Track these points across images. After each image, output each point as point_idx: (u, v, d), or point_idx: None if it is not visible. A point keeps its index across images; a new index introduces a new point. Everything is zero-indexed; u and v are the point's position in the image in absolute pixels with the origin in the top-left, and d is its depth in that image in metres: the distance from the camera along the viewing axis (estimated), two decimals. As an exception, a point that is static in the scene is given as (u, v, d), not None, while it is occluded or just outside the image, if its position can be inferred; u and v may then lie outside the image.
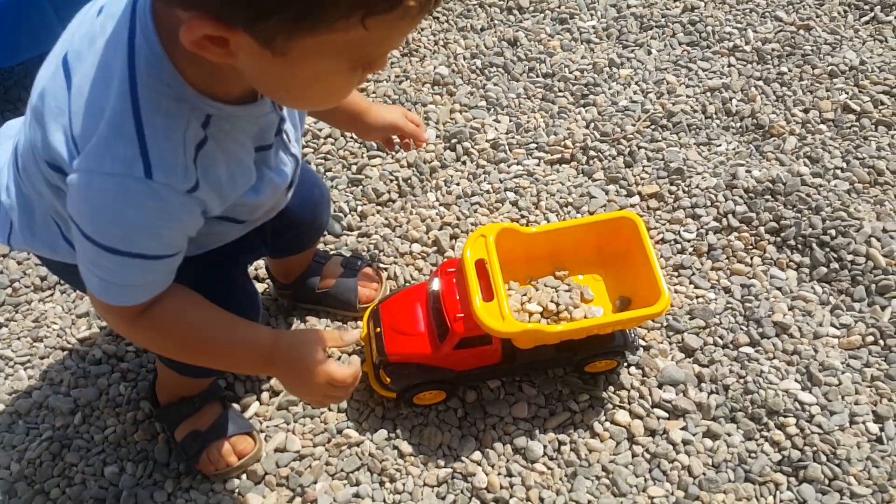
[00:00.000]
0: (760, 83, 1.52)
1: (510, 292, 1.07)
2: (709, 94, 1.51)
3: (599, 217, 1.13)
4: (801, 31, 1.61)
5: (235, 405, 1.13)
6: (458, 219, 1.35)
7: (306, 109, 0.85)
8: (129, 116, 0.62)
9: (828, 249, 1.22)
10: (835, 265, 1.20)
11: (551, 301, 1.05)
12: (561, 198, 1.36)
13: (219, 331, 0.78)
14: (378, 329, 1.07)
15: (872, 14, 1.64)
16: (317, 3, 0.52)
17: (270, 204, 0.82)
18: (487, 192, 1.39)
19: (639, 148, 1.42)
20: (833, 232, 1.22)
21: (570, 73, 1.60)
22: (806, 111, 1.45)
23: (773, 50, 1.58)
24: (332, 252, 1.31)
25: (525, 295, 1.07)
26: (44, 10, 1.32)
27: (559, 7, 1.76)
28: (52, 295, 1.32)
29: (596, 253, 1.11)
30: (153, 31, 0.61)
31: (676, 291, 1.21)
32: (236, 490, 1.06)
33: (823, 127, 1.42)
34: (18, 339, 1.26)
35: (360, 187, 1.43)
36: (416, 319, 1.06)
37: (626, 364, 1.13)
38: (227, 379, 1.16)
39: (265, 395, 1.15)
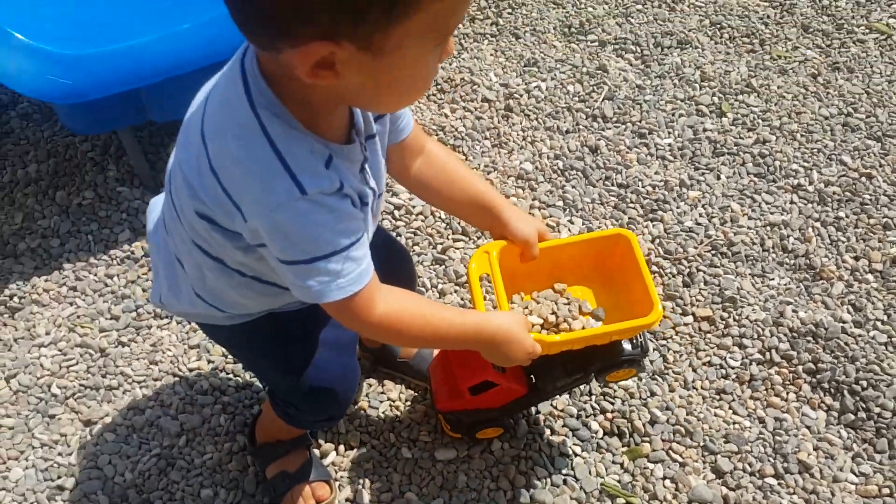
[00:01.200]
0: (818, 224, 1.65)
1: (512, 305, 1.13)
2: (769, 228, 1.65)
3: (596, 234, 1.21)
4: (863, 179, 1.75)
5: (317, 451, 1.31)
6: (527, 311, 1.52)
7: (404, 105, 0.92)
8: (273, 157, 0.75)
9: (858, 398, 1.35)
10: (862, 414, 1.33)
11: (551, 313, 1.09)
12: (621, 306, 1.52)
13: (441, 318, 0.93)
14: (428, 386, 1.26)
15: (933, 171, 1.77)
16: None
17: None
18: (556, 290, 1.56)
19: (698, 270, 1.57)
20: (864, 383, 1.35)
21: (643, 186, 1.76)
22: (857, 258, 1.59)
23: (833, 193, 1.72)
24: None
25: (526, 308, 1.11)
26: (139, 96, 1.53)
27: (640, 121, 1.92)
28: (168, 323, 1.52)
29: (593, 268, 1.16)
30: (265, 86, 0.74)
31: (716, 415, 1.35)
32: (309, 528, 1.23)
33: (871, 277, 1.55)
34: (137, 359, 1.46)
35: (443, 266, 1.61)
36: (449, 374, 1.22)
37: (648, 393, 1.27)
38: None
39: (342, 448, 1.33)
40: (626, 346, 1.12)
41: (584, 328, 1.08)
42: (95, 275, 1.60)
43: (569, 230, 1.68)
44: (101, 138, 1.85)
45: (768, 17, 2.25)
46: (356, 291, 0.82)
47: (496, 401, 1.21)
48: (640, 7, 2.30)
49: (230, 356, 1.44)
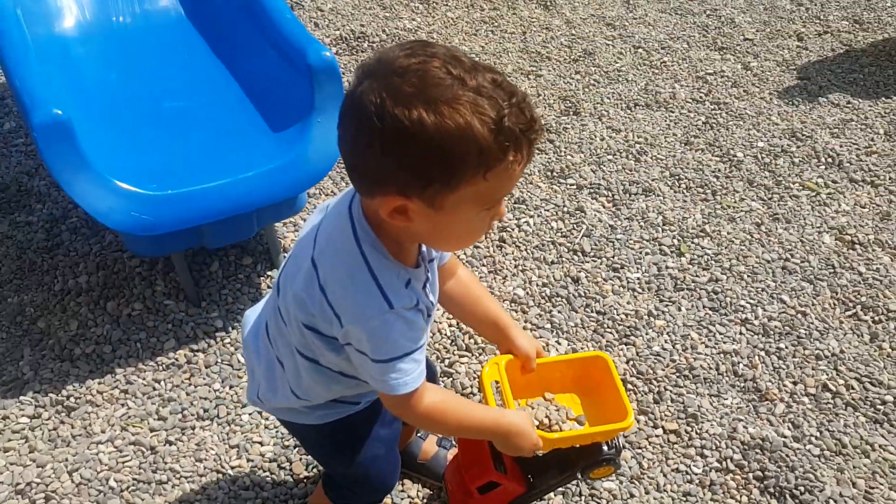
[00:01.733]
0: (763, 354, 1.98)
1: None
2: (722, 355, 1.97)
3: (580, 355, 1.45)
4: (799, 315, 2.09)
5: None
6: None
7: (459, 248, 1.19)
8: (371, 281, 0.98)
9: (797, 501, 1.62)
10: (802, 516, 1.60)
11: (545, 416, 1.28)
12: (602, 419, 1.79)
13: (469, 412, 1.16)
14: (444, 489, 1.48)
15: (854, 311, 2.12)
16: (456, 170, 0.87)
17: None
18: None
19: (665, 389, 1.87)
20: (802, 488, 1.63)
21: (617, 314, 2.07)
22: (794, 383, 1.90)
23: (775, 327, 2.05)
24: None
25: (524, 411, 1.28)
26: (251, 220, 1.83)
27: (613, 257, 2.26)
28: (210, 425, 1.73)
29: (576, 381, 1.38)
30: (367, 225, 0.98)
31: (682, 514, 1.61)
32: None
33: (806, 399, 1.86)
34: (184, 457, 1.66)
35: (451, 379, 1.87)
36: (460, 478, 1.43)
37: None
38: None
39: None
40: (604, 447, 1.32)
41: (571, 430, 1.29)
42: (144, 379, 1.82)
43: (556, 349, 1.96)
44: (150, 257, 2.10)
45: (719, 170, 2.67)
46: (416, 388, 1.06)
47: (500, 500, 1.45)
48: (610, 157, 2.70)
49: (267, 456, 1.66)
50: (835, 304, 2.14)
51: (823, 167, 2.68)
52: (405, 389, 1.05)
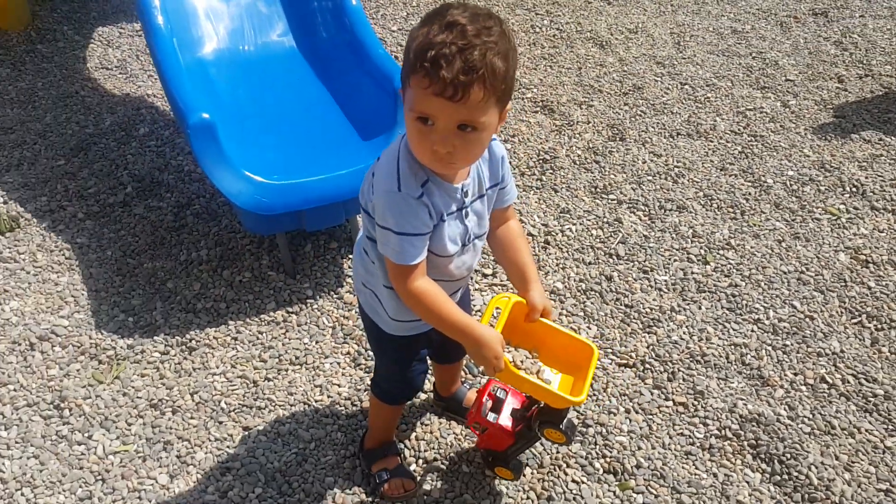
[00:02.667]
0: (769, 348, 2.28)
1: (510, 349, 1.51)
2: (733, 346, 2.28)
3: (577, 337, 1.52)
4: (807, 319, 2.38)
5: (405, 459, 1.90)
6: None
7: (418, 157, 1.27)
8: (395, 168, 1.27)
9: (783, 466, 1.92)
10: (785, 476, 1.90)
11: (521, 361, 1.48)
12: (616, 388, 2.13)
13: (450, 310, 1.35)
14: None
15: (859, 319, 2.40)
16: (403, 72, 1.18)
17: (451, 260, 1.40)
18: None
19: (679, 371, 2.19)
20: (788, 455, 1.93)
21: (643, 309, 2.41)
22: (795, 374, 2.19)
23: (784, 327, 2.35)
24: (472, 383, 2.10)
25: (509, 351, 1.47)
26: (340, 209, 2.27)
27: (644, 262, 2.60)
28: (300, 369, 2.15)
29: (563, 355, 1.51)
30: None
31: (683, 467, 1.93)
32: (397, 511, 1.81)
33: (804, 388, 2.15)
34: (280, 390, 2.08)
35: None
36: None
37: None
38: (402, 445, 1.93)
39: (421, 461, 1.92)
40: (563, 420, 1.53)
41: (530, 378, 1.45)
42: (250, 330, 2.26)
43: (586, 333, 2.31)
44: (256, 236, 2.56)
45: (749, 194, 2.97)
46: (404, 262, 1.29)
47: (496, 444, 1.75)
48: (650, 178, 3.05)
49: (343, 395, 2.06)
50: (841, 312, 2.42)
51: (848, 195, 2.95)
52: (397, 260, 1.30)
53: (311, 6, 2.73)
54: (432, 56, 1.12)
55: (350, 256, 2.54)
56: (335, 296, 2.37)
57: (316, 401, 2.06)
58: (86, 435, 1.94)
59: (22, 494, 1.80)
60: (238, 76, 2.58)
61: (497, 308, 1.48)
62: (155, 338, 2.22)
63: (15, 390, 2.04)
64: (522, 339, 1.53)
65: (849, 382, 2.17)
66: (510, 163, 1.55)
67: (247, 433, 1.97)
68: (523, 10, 4.35)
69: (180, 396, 2.06)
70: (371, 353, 2.09)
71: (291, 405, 2.05)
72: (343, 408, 2.04)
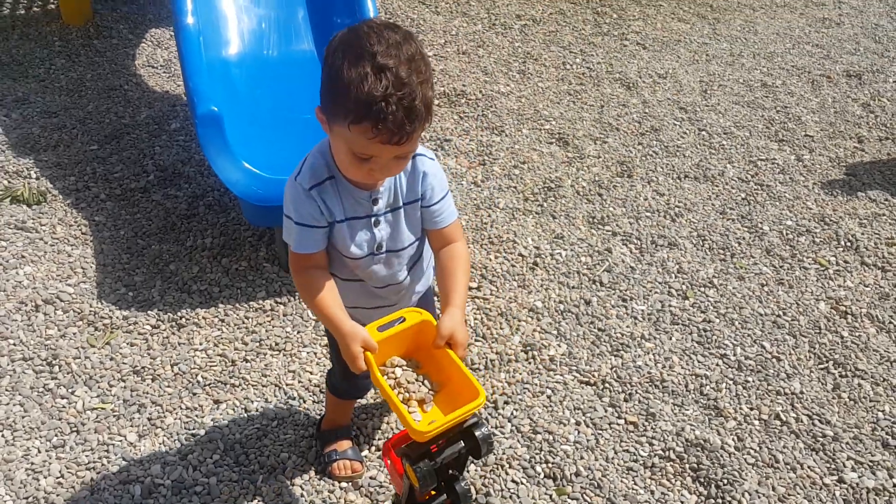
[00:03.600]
0: (730, 381, 2.33)
1: (400, 365, 1.38)
2: (694, 377, 2.34)
3: (471, 378, 1.30)
4: (773, 360, 2.42)
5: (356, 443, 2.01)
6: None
7: (348, 175, 1.33)
8: (304, 159, 1.36)
9: (719, 490, 1.97)
10: (719, 501, 1.94)
11: (407, 380, 1.36)
12: (572, 402, 2.20)
13: (328, 303, 1.38)
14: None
15: (826, 365, 2.43)
16: (335, 110, 1.19)
17: (358, 261, 1.43)
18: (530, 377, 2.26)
19: (636, 393, 2.26)
20: (725, 481, 1.98)
21: (615, 333, 2.49)
22: (751, 409, 2.24)
23: (749, 365, 2.40)
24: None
25: (401, 366, 1.38)
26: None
27: (625, 290, 2.68)
28: (278, 354, 2.29)
29: (447, 386, 1.36)
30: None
31: (622, 482, 1.99)
32: (340, 489, 1.91)
33: (757, 423, 2.19)
34: (255, 371, 2.22)
35: (469, 357, 2.34)
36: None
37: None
38: (356, 430, 2.05)
39: (372, 448, 2.02)
40: (427, 467, 1.30)
41: (402, 401, 1.31)
42: (237, 315, 2.42)
43: (556, 349, 2.40)
44: (260, 229, 2.74)
45: (743, 238, 3.03)
46: (297, 250, 1.38)
47: (396, 485, 1.46)
48: (649, 214, 3.13)
49: (314, 381, 2.19)
50: (809, 357, 2.45)
51: (841, 249, 2.98)
52: (294, 247, 1.39)
53: (332, 20, 2.94)
54: (376, 111, 1.16)
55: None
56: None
57: (287, 384, 2.19)
58: (69, 390, 2.11)
59: (2, 435, 1.97)
60: (258, 77, 2.78)
61: (402, 319, 1.39)
62: (149, 312, 2.40)
63: (14, 345, 2.22)
64: (427, 361, 1.41)
65: (802, 422, 2.20)
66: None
67: (216, 406, 2.11)
68: (558, 47, 4.51)
69: (161, 366, 2.21)
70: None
71: (263, 386, 2.19)
72: (311, 393, 2.17)
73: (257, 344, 2.32)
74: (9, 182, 2.89)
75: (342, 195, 1.37)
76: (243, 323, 2.39)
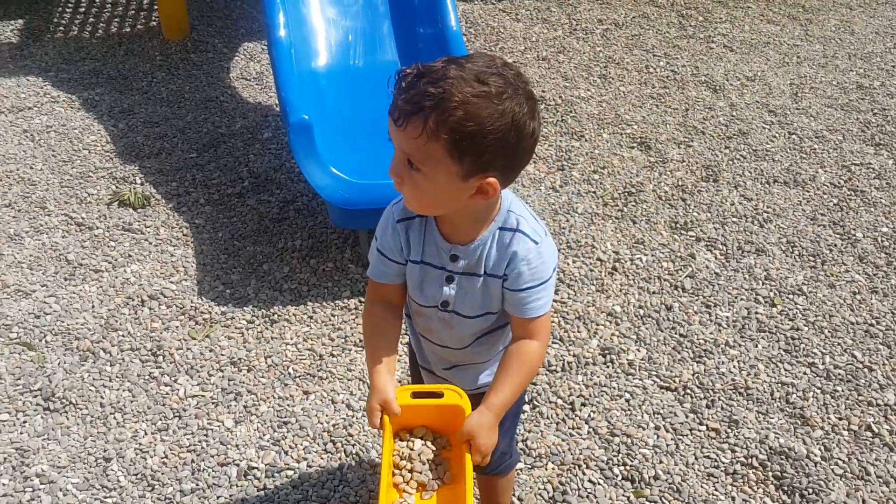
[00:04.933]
0: (818, 390, 2.26)
1: (413, 438, 1.28)
2: (780, 385, 2.28)
3: (469, 477, 1.20)
4: (865, 370, 2.34)
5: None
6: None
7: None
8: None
9: (804, 500, 1.92)
10: (805, 511, 1.90)
11: (419, 458, 1.25)
12: (651, 406, 2.20)
13: (372, 344, 1.33)
14: None
15: (926, 377, 2.33)
16: None
17: (422, 308, 1.34)
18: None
19: (718, 399, 2.23)
20: (811, 490, 1.93)
21: (698, 339, 2.45)
22: (840, 419, 2.17)
23: (839, 374, 2.32)
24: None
25: (421, 439, 1.27)
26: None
27: (709, 297, 2.64)
28: (362, 351, 2.39)
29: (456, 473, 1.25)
30: None
31: (702, 487, 1.97)
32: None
33: (846, 433, 2.13)
34: (341, 366, 2.33)
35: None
36: None
37: None
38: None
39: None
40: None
41: (403, 480, 1.23)
42: (324, 312, 2.53)
43: (635, 354, 2.40)
44: (345, 232, 2.85)
45: (835, 245, 2.93)
46: (369, 274, 1.36)
47: None
48: (735, 220, 3.07)
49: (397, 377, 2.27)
50: (907, 366, 2.36)
51: (942, 256, 2.85)
52: (368, 270, 1.37)
53: (416, 30, 3.04)
54: (399, 75, 1.13)
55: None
56: (404, 291, 2.60)
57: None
58: (172, 379, 2.26)
59: (114, 418, 2.13)
60: (345, 87, 2.91)
61: (441, 394, 1.28)
62: (244, 308, 2.54)
63: (123, 336, 2.41)
64: (455, 446, 1.28)
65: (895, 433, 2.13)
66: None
67: (305, 396, 2.22)
68: (641, 50, 4.47)
69: (256, 358, 2.35)
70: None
71: (349, 379, 2.28)
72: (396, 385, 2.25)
73: (343, 340, 2.42)
74: (117, 187, 3.12)
75: (426, 238, 1.29)
76: (330, 320, 2.50)
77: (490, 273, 1.28)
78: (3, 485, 1.94)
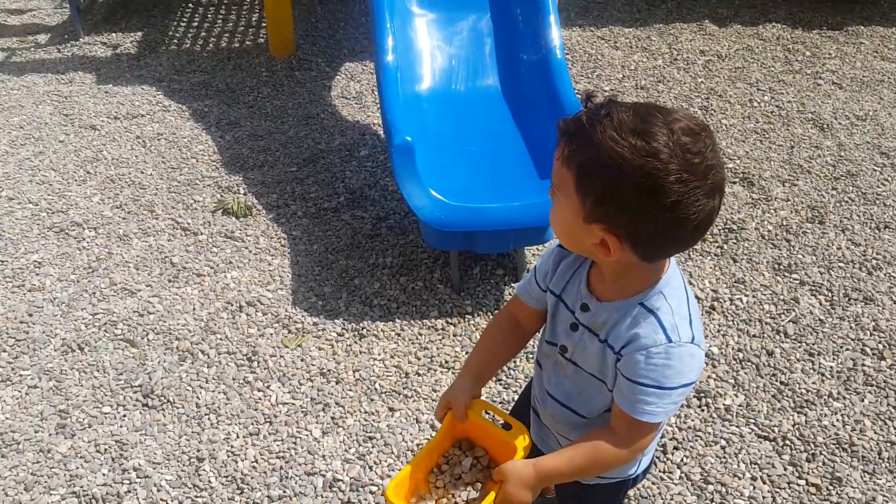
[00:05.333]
0: None
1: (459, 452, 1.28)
2: (889, 444, 2.13)
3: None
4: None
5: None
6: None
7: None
8: None
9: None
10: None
11: (464, 475, 1.24)
12: (749, 456, 2.09)
13: (478, 348, 1.34)
14: None
15: None
16: None
17: (541, 343, 1.31)
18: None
19: (820, 454, 2.10)
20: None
21: (799, 389, 2.33)
22: None
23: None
24: None
25: (466, 455, 1.27)
26: (508, 237, 2.49)
27: (813, 344, 2.51)
28: (447, 372, 2.38)
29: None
30: None
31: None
32: None
33: None
34: (425, 385, 2.33)
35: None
36: None
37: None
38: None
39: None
40: None
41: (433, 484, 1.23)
42: (412, 331, 2.54)
43: (732, 399, 2.30)
44: (435, 252, 2.87)
45: (953, 298, 2.74)
46: (517, 285, 1.41)
47: None
48: (842, 265, 2.92)
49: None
50: None
51: None
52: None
53: (520, 57, 3.04)
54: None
55: (513, 285, 2.75)
56: (491, 316, 2.59)
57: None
58: (265, 384, 2.32)
59: (208, 418, 2.20)
60: (446, 111, 2.93)
61: (508, 426, 1.26)
62: (335, 321, 2.58)
63: (220, 339, 2.48)
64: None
65: None
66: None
67: (391, 413, 2.23)
68: (745, 83, 4.34)
69: (344, 371, 2.37)
70: (507, 369, 2.27)
71: (434, 400, 2.28)
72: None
73: (429, 360, 2.42)
74: (221, 196, 3.24)
75: (574, 275, 1.23)
76: (417, 339, 2.51)
77: (608, 342, 1.16)
78: (104, 475, 2.03)
